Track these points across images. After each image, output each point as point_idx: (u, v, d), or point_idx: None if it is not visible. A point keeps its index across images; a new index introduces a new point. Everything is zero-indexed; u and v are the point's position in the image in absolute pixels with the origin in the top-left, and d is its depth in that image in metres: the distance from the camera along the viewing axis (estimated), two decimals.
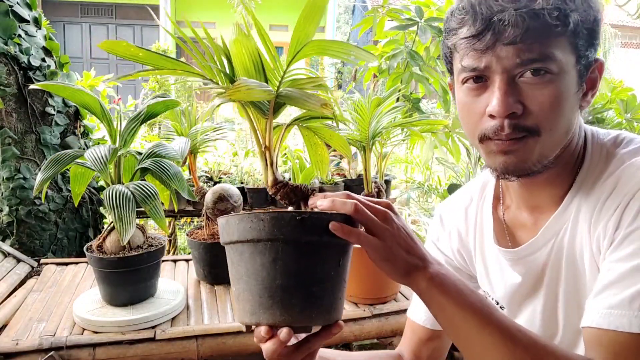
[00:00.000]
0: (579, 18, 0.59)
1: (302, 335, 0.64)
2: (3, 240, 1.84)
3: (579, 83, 0.63)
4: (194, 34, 0.68)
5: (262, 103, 0.69)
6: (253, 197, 2.49)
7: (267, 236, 0.58)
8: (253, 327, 0.61)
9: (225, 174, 2.70)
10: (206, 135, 1.55)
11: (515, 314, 0.80)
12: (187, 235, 1.51)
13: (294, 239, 0.58)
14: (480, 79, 0.63)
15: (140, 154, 1.26)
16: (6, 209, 1.86)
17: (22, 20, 1.87)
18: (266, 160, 0.69)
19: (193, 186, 1.58)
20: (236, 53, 0.65)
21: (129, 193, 1.12)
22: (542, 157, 0.64)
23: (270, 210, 0.59)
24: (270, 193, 0.69)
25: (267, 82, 0.67)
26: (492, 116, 0.62)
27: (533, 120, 0.61)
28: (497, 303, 0.83)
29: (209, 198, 1.44)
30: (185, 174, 2.08)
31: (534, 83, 0.60)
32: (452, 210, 0.89)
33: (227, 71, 0.67)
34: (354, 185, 2.68)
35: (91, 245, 1.24)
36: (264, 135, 0.69)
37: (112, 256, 1.19)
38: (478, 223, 0.84)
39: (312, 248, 0.59)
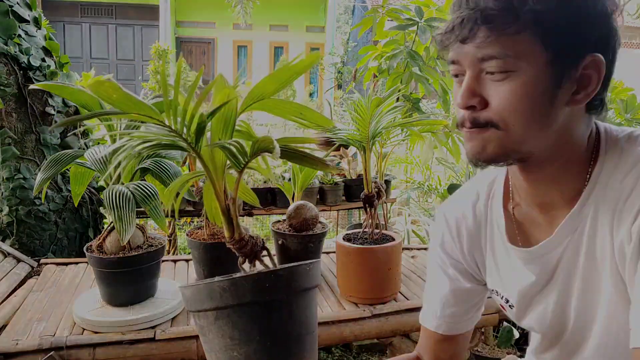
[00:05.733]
0: (548, 15, 0.58)
1: None
2: (3, 240, 1.84)
3: (557, 80, 0.61)
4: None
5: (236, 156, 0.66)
6: None
7: (281, 295, 0.62)
8: None
9: None
10: None
11: (526, 312, 0.79)
12: (187, 235, 1.51)
13: (302, 289, 0.64)
14: (461, 74, 0.67)
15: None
16: (6, 209, 1.86)
17: (22, 20, 1.87)
18: (229, 215, 0.66)
19: (193, 186, 1.58)
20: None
21: (129, 193, 1.12)
22: (508, 150, 0.65)
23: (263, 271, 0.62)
24: (232, 248, 0.68)
25: (232, 133, 0.66)
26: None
27: (491, 114, 0.63)
28: (507, 301, 0.81)
29: None
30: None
31: (495, 79, 0.62)
32: (458, 208, 0.86)
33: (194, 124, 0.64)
34: (354, 185, 2.67)
35: (91, 245, 1.24)
36: (223, 188, 0.66)
37: (112, 256, 1.19)
38: (488, 220, 0.82)
39: (311, 295, 0.66)
